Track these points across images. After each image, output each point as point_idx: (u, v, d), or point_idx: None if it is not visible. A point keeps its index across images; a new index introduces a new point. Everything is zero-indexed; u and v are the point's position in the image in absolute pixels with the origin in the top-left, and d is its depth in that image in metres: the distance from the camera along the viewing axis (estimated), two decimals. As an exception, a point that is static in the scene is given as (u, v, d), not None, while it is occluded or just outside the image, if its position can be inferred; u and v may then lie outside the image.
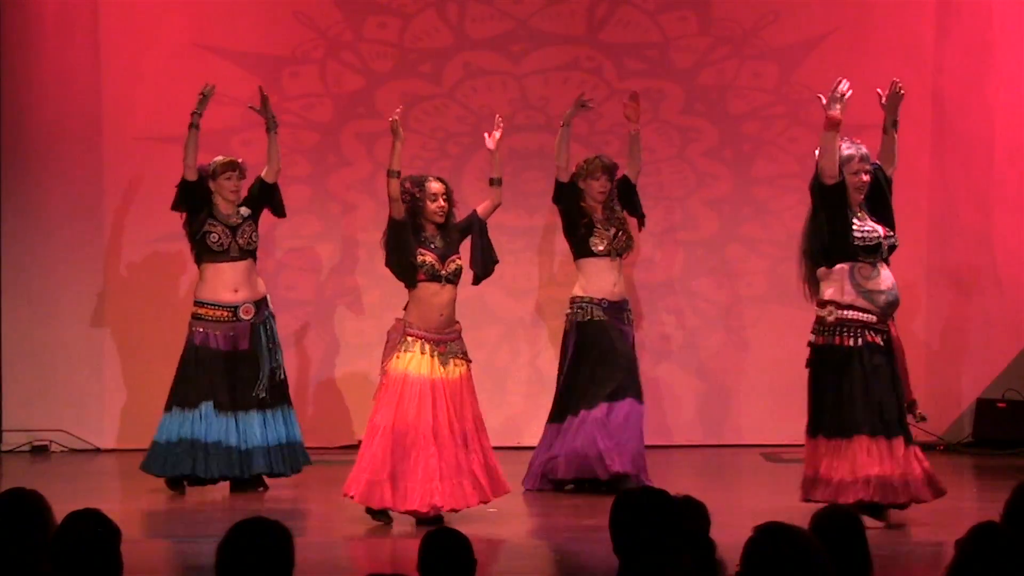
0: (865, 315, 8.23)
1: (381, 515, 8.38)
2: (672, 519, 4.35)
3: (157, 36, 11.64)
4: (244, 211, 9.69)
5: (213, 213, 9.62)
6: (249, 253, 9.67)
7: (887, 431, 8.19)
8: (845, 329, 8.26)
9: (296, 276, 11.71)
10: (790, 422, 11.41)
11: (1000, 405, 11.63)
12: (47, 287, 11.64)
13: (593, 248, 9.61)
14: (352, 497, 8.34)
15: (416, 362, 8.36)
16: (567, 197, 9.68)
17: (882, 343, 8.26)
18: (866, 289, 8.26)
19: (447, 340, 8.47)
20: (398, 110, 8.69)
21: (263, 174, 9.75)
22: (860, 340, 8.22)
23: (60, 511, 4.45)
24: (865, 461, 8.14)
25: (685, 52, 11.84)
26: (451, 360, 8.45)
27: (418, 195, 8.49)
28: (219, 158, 9.73)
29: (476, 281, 8.79)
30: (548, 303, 11.86)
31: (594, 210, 9.69)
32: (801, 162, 11.81)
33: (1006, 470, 10.47)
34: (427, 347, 8.40)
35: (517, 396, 11.76)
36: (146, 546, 7.83)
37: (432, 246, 8.47)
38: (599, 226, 9.64)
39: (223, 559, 4.04)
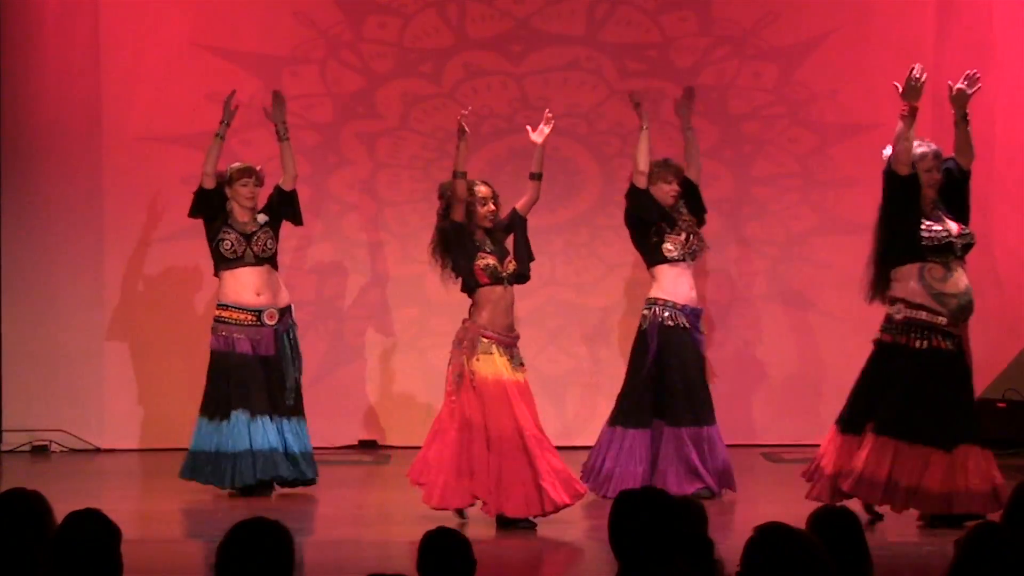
0: (936, 317, 8.06)
1: (457, 512, 8.37)
2: (671, 520, 4.34)
3: (157, 36, 11.64)
4: (261, 218, 9.58)
5: (229, 220, 9.51)
6: (265, 260, 9.54)
7: (944, 442, 8.01)
8: (913, 330, 8.08)
9: (296, 276, 11.70)
10: (790, 422, 11.45)
11: (1000, 405, 11.62)
12: (47, 287, 11.64)
13: (667, 254, 9.35)
14: (434, 505, 8.26)
15: (495, 363, 8.33)
16: (646, 203, 9.35)
17: (952, 347, 8.07)
18: (936, 291, 8.07)
19: (512, 344, 8.45)
20: (466, 110, 8.55)
21: (280, 182, 9.65)
22: (927, 343, 8.05)
23: (60, 511, 4.45)
24: (918, 470, 7.98)
25: (685, 52, 11.84)
26: (517, 365, 8.44)
27: (468, 200, 8.42)
28: (236, 164, 9.65)
29: (519, 280, 8.64)
30: (548, 303, 11.86)
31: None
32: (801, 162, 11.82)
33: (1006, 470, 10.45)
34: (500, 349, 8.38)
35: (517, 396, 11.74)
36: (146, 546, 7.82)
37: (488, 248, 8.43)
38: (670, 231, 9.38)
39: (223, 559, 4.04)
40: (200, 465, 9.44)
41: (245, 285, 9.49)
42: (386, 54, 11.83)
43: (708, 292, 11.92)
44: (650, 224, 9.35)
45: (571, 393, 11.75)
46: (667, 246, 9.34)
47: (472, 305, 8.46)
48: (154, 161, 11.60)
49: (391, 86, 11.85)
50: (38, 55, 11.64)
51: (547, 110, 8.83)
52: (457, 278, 8.50)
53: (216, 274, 9.63)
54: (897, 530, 8.18)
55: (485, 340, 8.35)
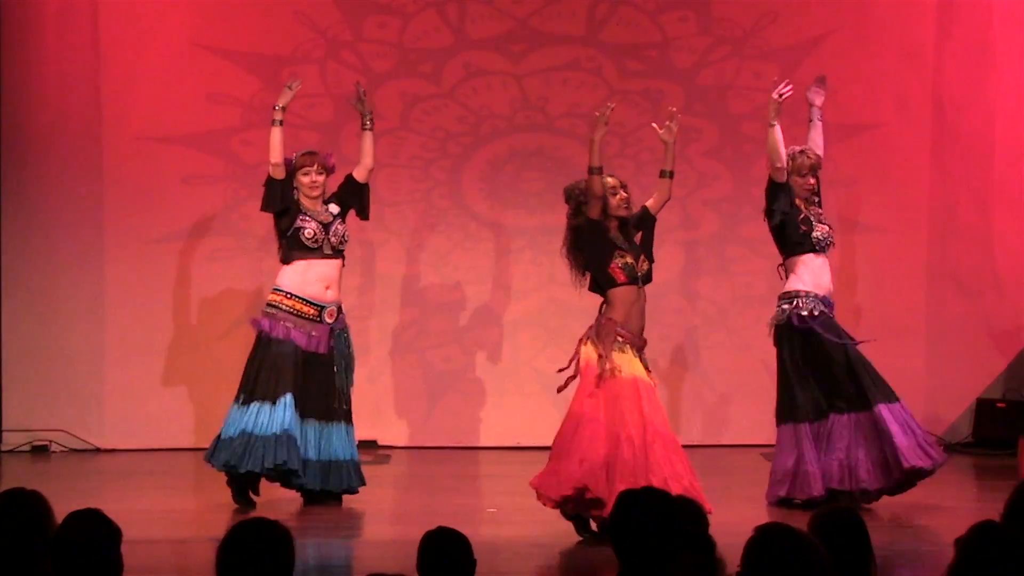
0: None
1: (581, 526, 8.12)
2: (672, 519, 4.35)
3: (157, 36, 11.64)
4: (333, 208, 9.21)
5: (303, 209, 9.13)
6: (340, 253, 9.17)
7: None
8: None
9: (296, 276, 11.70)
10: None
11: (1000, 405, 11.63)
12: (47, 287, 11.64)
13: (816, 245, 9.03)
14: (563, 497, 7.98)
15: (629, 361, 8.06)
16: (786, 197, 9.04)
17: None
18: None
19: (642, 349, 8.19)
20: (611, 105, 8.38)
21: (354, 171, 9.30)
22: None
23: (60, 511, 4.45)
24: None
25: (685, 52, 11.85)
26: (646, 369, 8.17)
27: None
28: (300, 151, 9.26)
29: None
30: (548, 303, 11.86)
31: (800, 207, 9.11)
32: (801, 162, 11.82)
33: (1006, 470, 10.47)
34: (632, 351, 8.10)
35: (517, 396, 11.75)
36: (146, 546, 7.82)
37: (624, 246, 8.20)
38: (814, 220, 9.07)
39: (223, 559, 4.04)
40: (222, 447, 9.01)
41: (318, 277, 9.08)
42: (386, 54, 11.83)
43: (708, 292, 11.93)
44: (798, 212, 9.05)
45: (571, 393, 11.72)
46: (816, 235, 9.04)
47: (605, 304, 8.19)
48: (154, 161, 11.60)
49: (391, 86, 11.85)
50: (38, 56, 11.64)
51: (672, 107, 8.62)
52: (585, 275, 8.24)
53: (287, 261, 9.12)
54: (897, 530, 8.18)
55: (620, 339, 8.09)
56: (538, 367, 11.80)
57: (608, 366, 8.02)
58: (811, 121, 9.38)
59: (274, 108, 9.15)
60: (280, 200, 9.11)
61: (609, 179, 8.26)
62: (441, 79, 11.83)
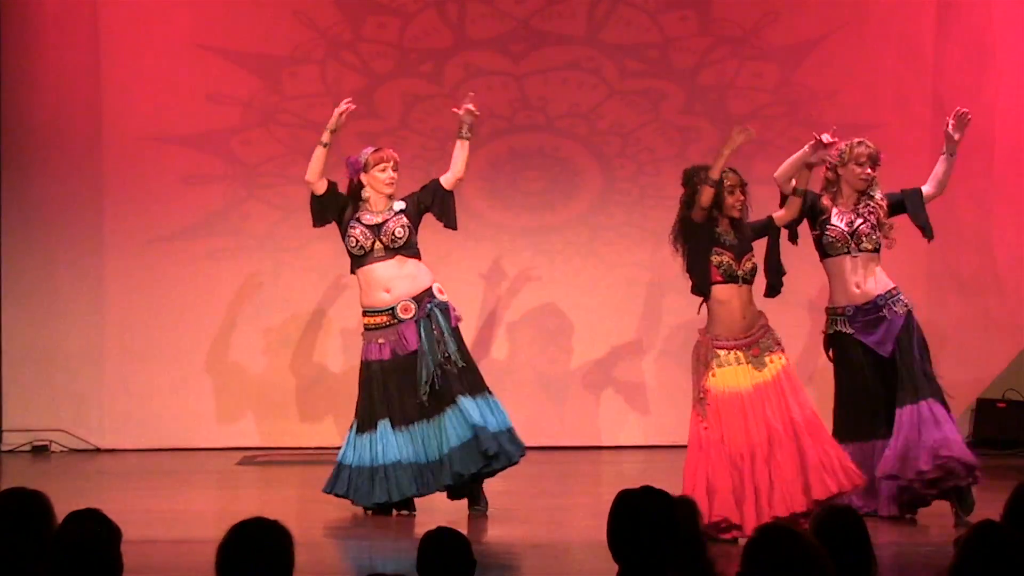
0: None
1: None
2: (671, 519, 4.35)
3: (157, 36, 11.64)
4: (397, 206, 8.97)
5: (357, 214, 8.93)
6: (396, 251, 8.87)
7: None
8: None
9: (296, 276, 11.71)
10: (790, 422, 11.40)
11: (1000, 405, 11.63)
12: (47, 287, 11.64)
13: (828, 249, 8.71)
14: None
15: (733, 375, 7.96)
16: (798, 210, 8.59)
17: None
18: None
19: (757, 339, 8.03)
20: (750, 130, 8.04)
21: (442, 177, 9.02)
22: None
23: (60, 511, 4.46)
24: None
25: (685, 52, 11.84)
26: (766, 357, 8.00)
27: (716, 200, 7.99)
28: (368, 150, 9.01)
29: (770, 292, 8.30)
30: (548, 303, 11.86)
31: (837, 203, 8.74)
32: (801, 162, 11.81)
33: (1006, 470, 10.46)
34: (739, 355, 7.98)
35: (516, 396, 11.73)
36: (146, 546, 7.82)
37: (727, 243, 8.01)
38: (835, 221, 8.67)
39: (223, 559, 4.04)
40: (343, 479, 8.88)
41: (374, 283, 8.88)
42: (386, 54, 11.82)
43: (708, 292, 11.92)
44: (819, 214, 8.69)
45: (571, 393, 11.75)
46: (827, 238, 8.68)
47: (708, 311, 8.09)
48: (154, 161, 11.60)
49: (391, 86, 11.84)
50: (38, 55, 11.64)
51: (831, 134, 8.43)
52: (690, 276, 8.10)
53: (352, 272, 9.06)
54: (897, 530, 8.18)
55: (720, 352, 7.99)
56: (538, 367, 11.80)
57: (701, 395, 7.95)
58: (944, 153, 9.04)
59: (326, 130, 8.91)
60: (324, 213, 8.97)
61: (731, 176, 8.02)
62: (441, 79, 11.82)
